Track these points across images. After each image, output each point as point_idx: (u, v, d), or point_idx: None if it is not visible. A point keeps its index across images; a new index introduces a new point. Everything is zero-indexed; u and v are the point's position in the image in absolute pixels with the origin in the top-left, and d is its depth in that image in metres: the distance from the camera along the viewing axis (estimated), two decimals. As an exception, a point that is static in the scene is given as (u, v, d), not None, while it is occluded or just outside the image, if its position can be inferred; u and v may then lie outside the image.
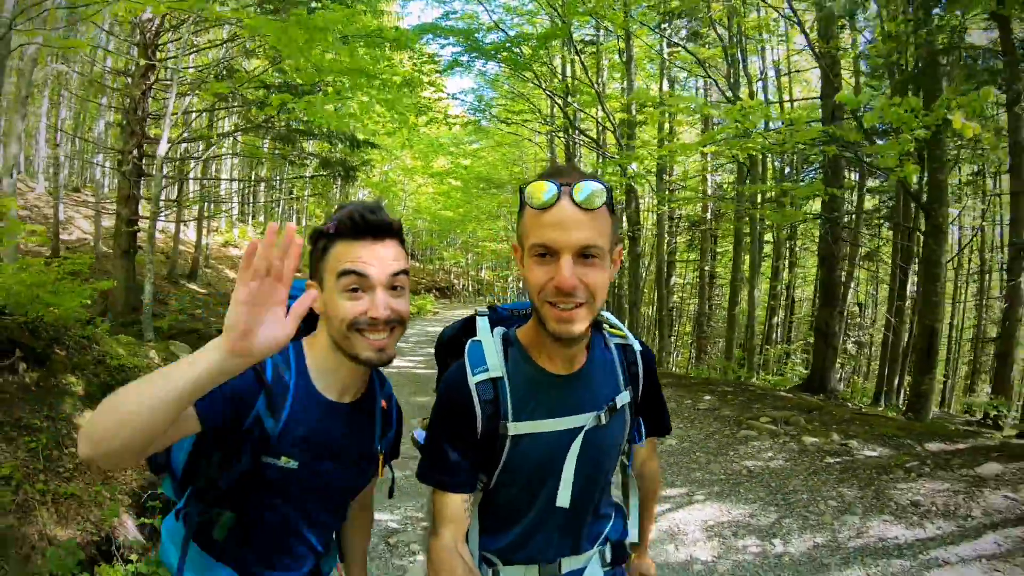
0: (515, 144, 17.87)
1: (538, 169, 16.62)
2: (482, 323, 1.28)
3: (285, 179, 16.64)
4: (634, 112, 10.97)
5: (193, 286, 15.00)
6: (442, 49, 10.83)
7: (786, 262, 15.14)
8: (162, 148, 9.20)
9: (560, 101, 12.12)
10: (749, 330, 11.14)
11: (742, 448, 5.71)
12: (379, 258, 1.13)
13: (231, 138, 13.48)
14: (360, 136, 12.07)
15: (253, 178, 17.90)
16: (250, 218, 22.89)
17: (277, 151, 13.30)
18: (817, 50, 8.18)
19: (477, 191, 18.64)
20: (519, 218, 1.14)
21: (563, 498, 1.17)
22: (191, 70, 11.39)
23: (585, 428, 1.18)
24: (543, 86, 11.56)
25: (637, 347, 1.32)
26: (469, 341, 1.24)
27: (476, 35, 10.07)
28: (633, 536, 1.42)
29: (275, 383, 1.15)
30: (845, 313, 11.22)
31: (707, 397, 7.73)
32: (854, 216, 11.21)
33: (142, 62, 9.89)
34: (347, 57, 8.35)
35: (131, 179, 10.70)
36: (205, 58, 12.92)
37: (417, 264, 34.80)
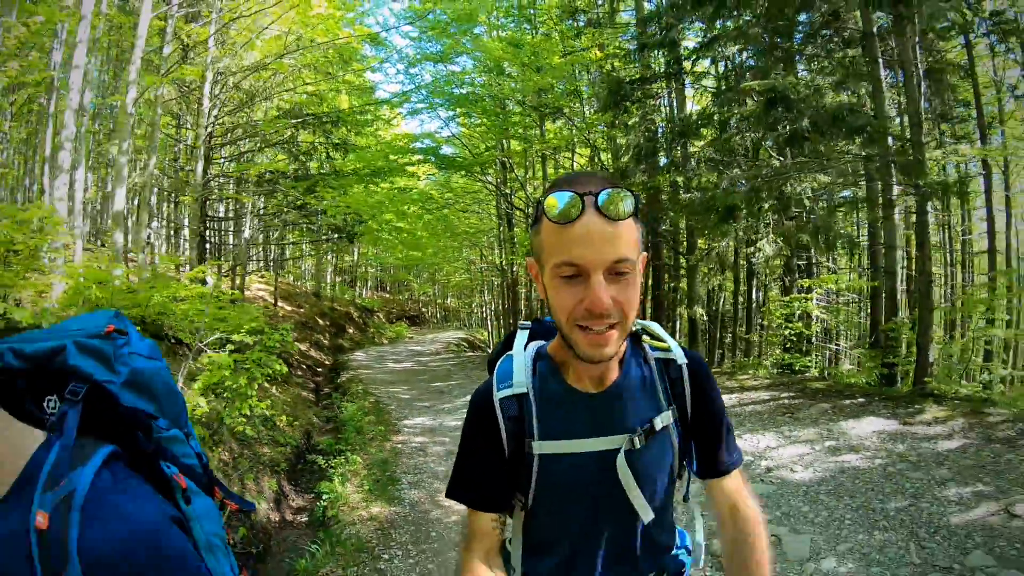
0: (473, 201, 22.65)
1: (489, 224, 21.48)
2: (520, 337, 1.21)
3: (303, 240, 21.20)
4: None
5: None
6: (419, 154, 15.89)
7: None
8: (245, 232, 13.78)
9: (497, 185, 17.24)
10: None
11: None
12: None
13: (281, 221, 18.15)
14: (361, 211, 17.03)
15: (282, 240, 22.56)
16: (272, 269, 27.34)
17: (303, 223, 17.96)
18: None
19: (443, 237, 23.13)
20: (534, 234, 1.03)
21: (645, 512, 1.09)
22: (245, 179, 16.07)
23: (623, 449, 1.07)
24: (486, 178, 16.67)
25: (682, 360, 1.16)
26: (503, 356, 1.18)
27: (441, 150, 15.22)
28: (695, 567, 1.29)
29: None
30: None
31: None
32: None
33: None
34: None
35: (201, 248, 15.28)
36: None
37: (387, 295, 39.14)
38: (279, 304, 18.83)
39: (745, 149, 9.20)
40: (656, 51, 10.61)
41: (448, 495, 1.16)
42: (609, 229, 0.94)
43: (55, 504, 0.71)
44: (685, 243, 12.08)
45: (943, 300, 14.09)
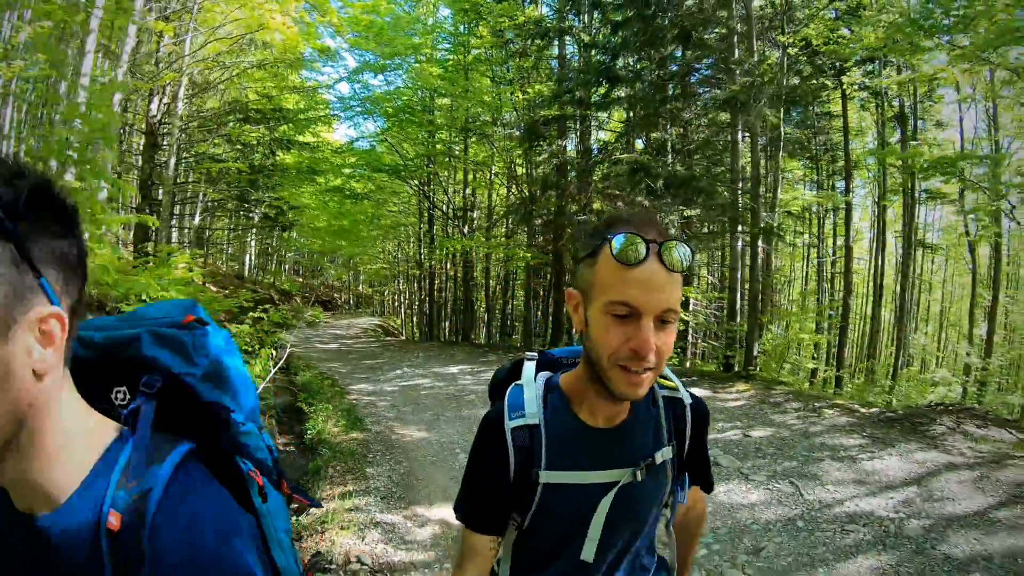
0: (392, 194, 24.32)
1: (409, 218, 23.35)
2: (528, 367, 1.26)
3: (240, 227, 22.26)
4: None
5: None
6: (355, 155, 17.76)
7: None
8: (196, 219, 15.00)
9: (421, 187, 19.34)
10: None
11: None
12: None
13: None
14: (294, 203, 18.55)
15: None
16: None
17: (241, 211, 19.20)
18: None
19: (365, 227, 24.55)
20: (586, 266, 1.08)
21: (587, 552, 1.16)
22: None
23: (620, 484, 1.14)
24: (411, 181, 18.77)
25: (687, 400, 1.25)
26: (512, 385, 1.22)
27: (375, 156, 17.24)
28: None
29: None
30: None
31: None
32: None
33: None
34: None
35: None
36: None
37: (301, 280, 39.90)
38: (207, 285, 19.92)
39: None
40: (566, 103, 13.09)
41: (455, 510, 1.23)
42: (667, 279, 1.00)
43: (128, 504, 0.69)
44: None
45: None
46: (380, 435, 6.78)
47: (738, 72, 10.25)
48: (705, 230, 12.07)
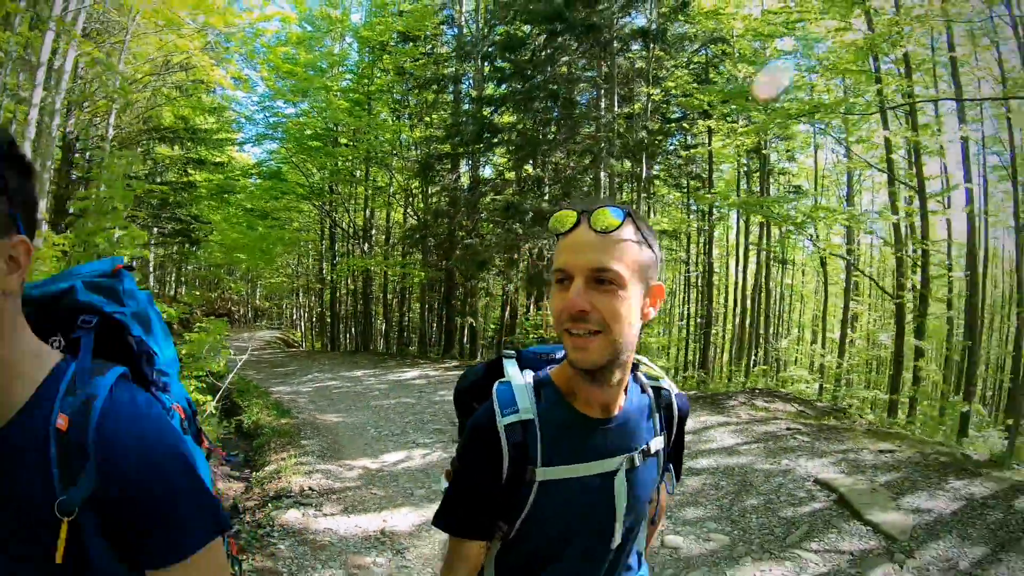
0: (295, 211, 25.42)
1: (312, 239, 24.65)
2: (511, 365, 1.24)
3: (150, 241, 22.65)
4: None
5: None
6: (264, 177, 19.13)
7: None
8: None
9: (322, 206, 20.92)
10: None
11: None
12: None
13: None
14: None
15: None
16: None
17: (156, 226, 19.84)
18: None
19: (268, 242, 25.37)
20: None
21: (618, 534, 1.17)
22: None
23: (624, 468, 1.15)
24: (317, 204, 20.34)
25: (673, 391, 1.28)
26: (497, 383, 1.18)
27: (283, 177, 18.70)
28: None
29: None
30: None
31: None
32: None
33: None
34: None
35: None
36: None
37: (197, 292, 39.48)
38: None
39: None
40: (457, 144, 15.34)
41: (436, 523, 1.17)
42: (596, 239, 1.02)
43: (75, 407, 0.77)
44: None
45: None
46: (306, 420, 8.55)
47: (594, 127, 12.84)
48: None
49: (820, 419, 8.45)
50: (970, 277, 11.75)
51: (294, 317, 35.88)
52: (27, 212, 0.78)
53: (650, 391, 1.26)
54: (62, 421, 0.76)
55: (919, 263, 12.17)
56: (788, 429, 7.43)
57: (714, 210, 17.93)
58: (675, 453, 1.35)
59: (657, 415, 1.25)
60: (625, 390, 1.19)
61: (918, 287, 12.00)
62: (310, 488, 5.63)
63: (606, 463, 1.15)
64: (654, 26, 13.43)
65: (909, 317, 12.12)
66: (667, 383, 1.29)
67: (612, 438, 1.17)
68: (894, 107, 11.60)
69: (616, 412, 1.17)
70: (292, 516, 4.91)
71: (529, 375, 1.20)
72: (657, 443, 1.23)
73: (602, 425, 1.16)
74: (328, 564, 4.10)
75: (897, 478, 5.73)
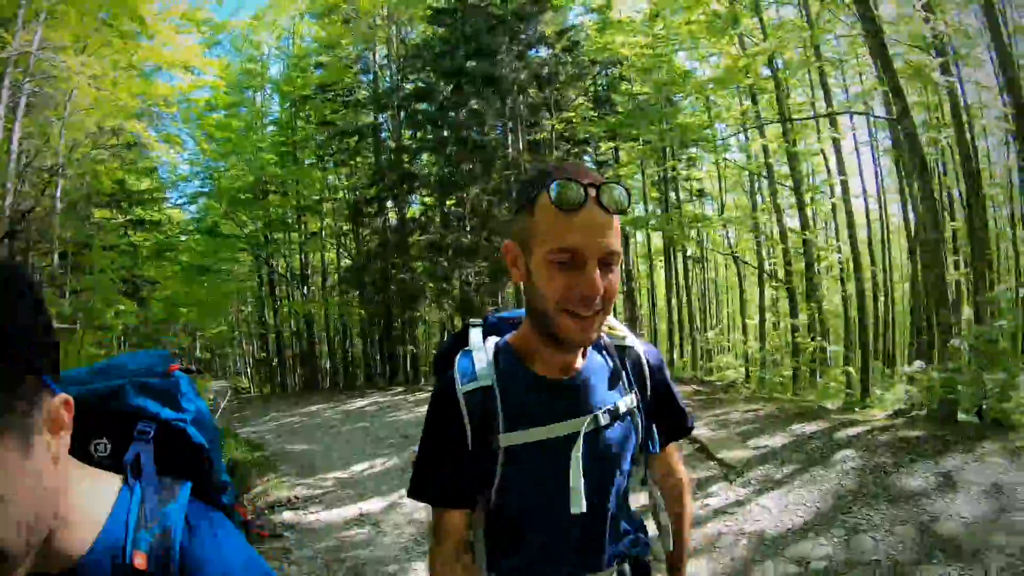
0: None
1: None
2: (475, 333, 1.24)
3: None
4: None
5: None
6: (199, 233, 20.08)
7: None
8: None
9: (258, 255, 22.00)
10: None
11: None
12: None
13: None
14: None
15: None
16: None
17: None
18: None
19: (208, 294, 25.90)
20: (521, 218, 1.09)
21: (576, 503, 1.09)
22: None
23: (583, 430, 1.11)
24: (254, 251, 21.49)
25: (641, 348, 1.26)
26: (460, 352, 1.19)
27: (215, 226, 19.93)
28: (659, 548, 1.37)
29: None
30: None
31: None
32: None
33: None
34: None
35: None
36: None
37: (138, 346, 38.89)
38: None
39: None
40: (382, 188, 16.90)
41: (411, 495, 1.18)
42: (606, 220, 1.01)
43: (151, 543, 0.72)
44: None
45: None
46: (277, 451, 9.78)
47: (499, 165, 14.61)
48: (488, 280, 16.38)
49: (713, 395, 10.31)
50: (854, 256, 13.18)
51: (237, 365, 36.00)
52: (51, 354, 0.70)
53: (613, 349, 1.24)
54: (140, 559, 0.72)
55: (801, 250, 13.87)
56: (678, 404, 9.26)
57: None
58: (665, 405, 1.31)
59: (624, 373, 1.23)
60: (583, 350, 1.19)
61: (803, 272, 13.62)
62: (296, 497, 6.97)
63: (570, 424, 1.13)
64: (546, 70, 15.29)
65: (800, 299, 13.75)
66: (632, 340, 1.27)
67: (574, 397, 1.16)
68: (759, 125, 13.52)
69: (574, 372, 1.17)
70: (286, 516, 6.27)
71: (492, 341, 1.21)
72: (626, 402, 1.20)
73: (560, 385, 1.16)
74: (322, 539, 5.50)
75: (753, 428, 7.51)
